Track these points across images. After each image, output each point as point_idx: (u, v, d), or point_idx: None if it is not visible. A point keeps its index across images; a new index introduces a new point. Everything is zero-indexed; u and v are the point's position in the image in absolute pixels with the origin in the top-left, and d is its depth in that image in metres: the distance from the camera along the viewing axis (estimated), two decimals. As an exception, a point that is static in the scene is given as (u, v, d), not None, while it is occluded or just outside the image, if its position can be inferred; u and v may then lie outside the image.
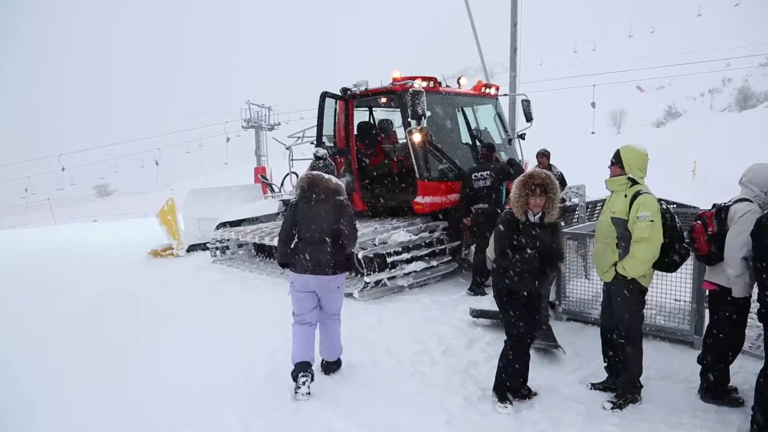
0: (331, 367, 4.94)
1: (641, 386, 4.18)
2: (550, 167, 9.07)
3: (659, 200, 3.94)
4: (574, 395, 4.29)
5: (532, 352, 5.14)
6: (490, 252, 4.30)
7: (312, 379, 4.54)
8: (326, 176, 4.69)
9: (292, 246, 4.71)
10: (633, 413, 4.02)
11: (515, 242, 4.00)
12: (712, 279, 4.09)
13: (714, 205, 4.12)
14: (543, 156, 9.08)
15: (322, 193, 4.61)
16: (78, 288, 9.01)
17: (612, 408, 4.07)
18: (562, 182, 9.06)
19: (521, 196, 3.93)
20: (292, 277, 4.70)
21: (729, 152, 20.65)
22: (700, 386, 4.22)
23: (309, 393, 4.46)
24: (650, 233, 3.83)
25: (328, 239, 4.58)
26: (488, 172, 7.35)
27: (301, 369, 4.50)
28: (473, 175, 7.43)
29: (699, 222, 4.11)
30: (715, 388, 4.13)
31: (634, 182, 4.02)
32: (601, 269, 4.22)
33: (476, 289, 7.16)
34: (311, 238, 4.59)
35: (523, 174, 3.94)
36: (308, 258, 4.57)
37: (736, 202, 3.95)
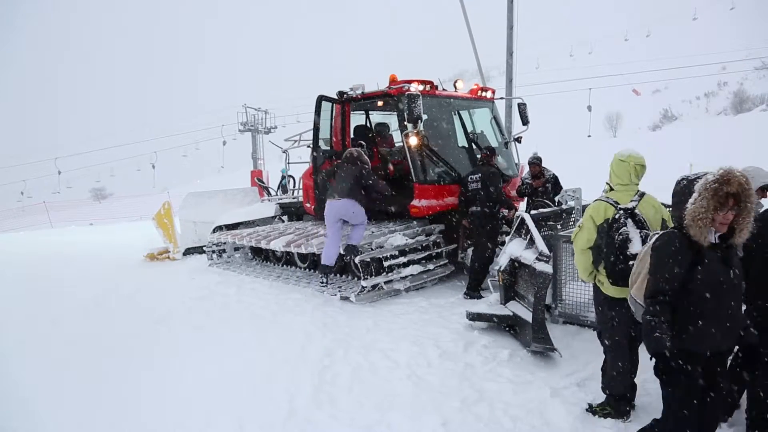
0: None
1: (622, 400, 3.97)
2: (542, 172, 9.06)
3: (623, 209, 3.77)
4: (570, 397, 4.30)
5: (528, 355, 5.18)
6: (638, 293, 3.14)
7: (332, 273, 7.60)
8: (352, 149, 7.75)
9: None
10: (630, 416, 4.01)
11: (698, 276, 2.87)
12: None
13: None
14: (534, 165, 9.09)
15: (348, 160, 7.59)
16: (74, 291, 8.98)
17: (587, 410, 4.06)
18: (557, 184, 9.07)
19: (707, 210, 2.80)
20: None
21: (725, 156, 20.67)
22: None
23: (326, 284, 7.50)
24: (574, 237, 3.98)
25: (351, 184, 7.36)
26: (479, 175, 7.39)
27: (326, 269, 7.36)
28: (468, 178, 7.49)
29: None
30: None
31: (611, 188, 3.98)
32: None
33: (472, 293, 7.17)
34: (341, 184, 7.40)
35: (710, 177, 2.82)
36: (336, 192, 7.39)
37: None
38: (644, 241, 3.54)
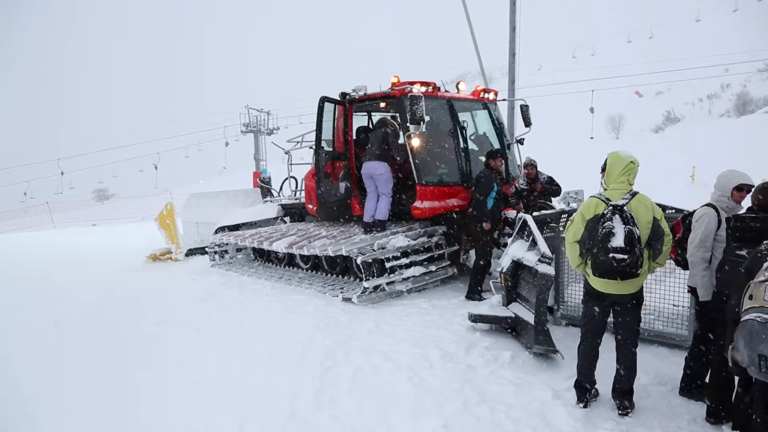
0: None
1: (579, 388, 4.26)
2: (537, 176, 9.03)
3: (612, 205, 3.88)
4: (571, 399, 4.29)
5: (530, 356, 5.18)
6: None
7: (376, 228, 7.88)
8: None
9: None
10: (632, 418, 4.02)
11: None
12: (689, 281, 4.29)
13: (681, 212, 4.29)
14: (531, 167, 9.06)
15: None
16: (76, 292, 9.00)
17: None
18: (553, 185, 9.04)
19: None
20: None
21: (728, 157, 20.66)
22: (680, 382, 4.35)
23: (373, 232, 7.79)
24: (566, 230, 4.27)
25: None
26: (476, 179, 7.42)
27: (366, 225, 8.00)
28: (473, 180, 7.49)
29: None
30: (691, 385, 4.24)
31: (606, 188, 4.17)
32: None
33: (473, 296, 7.15)
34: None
35: None
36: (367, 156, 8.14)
37: (701, 207, 4.17)
38: (628, 237, 3.73)
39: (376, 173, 7.99)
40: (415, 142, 7.76)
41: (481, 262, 7.21)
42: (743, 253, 3.57)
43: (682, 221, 4.26)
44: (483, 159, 8.79)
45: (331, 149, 9.09)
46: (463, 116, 9.14)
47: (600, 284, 4.02)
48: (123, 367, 5.54)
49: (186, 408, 4.54)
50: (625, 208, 3.84)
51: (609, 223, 3.82)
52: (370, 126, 10.06)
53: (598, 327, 4.19)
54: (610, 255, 3.74)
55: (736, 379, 3.74)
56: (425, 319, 6.44)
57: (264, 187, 13.72)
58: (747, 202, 4.00)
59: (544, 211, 6.99)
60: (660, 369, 4.77)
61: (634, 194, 3.95)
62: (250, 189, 13.67)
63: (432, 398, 4.48)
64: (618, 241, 3.73)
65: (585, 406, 4.19)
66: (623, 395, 4.10)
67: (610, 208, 3.86)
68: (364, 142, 9.22)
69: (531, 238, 5.61)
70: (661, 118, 63.73)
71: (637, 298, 4.05)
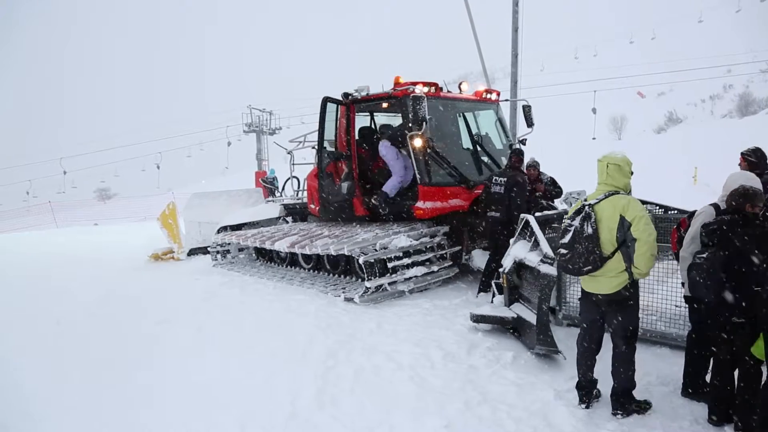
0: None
1: (582, 389, 4.25)
2: (539, 176, 9.00)
3: (584, 205, 3.97)
4: (573, 400, 4.28)
5: (532, 357, 5.17)
6: None
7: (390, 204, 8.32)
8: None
9: None
10: (633, 419, 4.01)
11: None
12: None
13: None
14: (532, 168, 9.03)
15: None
16: (78, 291, 9.00)
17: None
18: (555, 186, 9.02)
19: None
20: None
21: (730, 158, 20.53)
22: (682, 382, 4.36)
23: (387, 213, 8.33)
24: None
25: None
26: (504, 179, 7.11)
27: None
28: (493, 179, 7.28)
29: (675, 227, 4.45)
30: (693, 385, 4.26)
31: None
32: None
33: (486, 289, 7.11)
34: None
35: None
36: None
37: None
38: (573, 235, 3.83)
39: (381, 153, 8.37)
40: (418, 143, 7.74)
41: (494, 265, 7.16)
42: (704, 255, 3.68)
43: (688, 219, 4.33)
44: (486, 159, 8.82)
45: (333, 149, 9.09)
46: (466, 117, 9.14)
47: (583, 282, 4.15)
48: (124, 366, 5.54)
49: (186, 408, 4.54)
50: (587, 207, 3.89)
51: (568, 221, 3.96)
52: (373, 126, 10.06)
53: (592, 324, 4.20)
54: (558, 250, 3.93)
55: (737, 378, 3.75)
56: (427, 320, 6.44)
57: (267, 187, 13.75)
58: None
59: (546, 212, 6.95)
60: (662, 369, 4.75)
61: (610, 194, 3.93)
62: (253, 189, 13.71)
63: (434, 398, 4.48)
64: (566, 238, 3.87)
65: (587, 407, 4.18)
66: (618, 396, 4.08)
67: (578, 208, 3.98)
68: (367, 143, 9.23)
69: (533, 239, 5.60)
70: (663, 118, 63.59)
71: (620, 300, 3.95)
